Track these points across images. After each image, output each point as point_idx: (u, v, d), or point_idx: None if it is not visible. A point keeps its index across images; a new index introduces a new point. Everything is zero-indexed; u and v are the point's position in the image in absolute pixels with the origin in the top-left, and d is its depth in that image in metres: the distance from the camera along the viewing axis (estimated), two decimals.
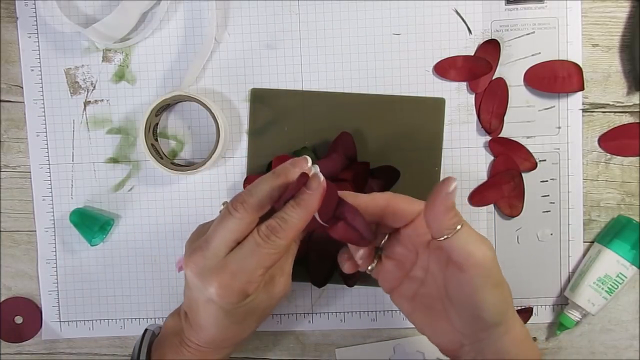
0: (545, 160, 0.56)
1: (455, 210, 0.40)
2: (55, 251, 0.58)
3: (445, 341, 0.44)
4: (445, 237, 0.39)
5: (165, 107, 0.55)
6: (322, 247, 0.54)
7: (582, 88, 0.55)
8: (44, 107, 0.57)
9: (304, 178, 0.42)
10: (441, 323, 0.43)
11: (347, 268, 0.46)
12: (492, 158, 0.56)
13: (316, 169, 0.44)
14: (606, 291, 0.54)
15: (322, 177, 0.42)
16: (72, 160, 0.57)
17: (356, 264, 0.46)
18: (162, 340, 0.48)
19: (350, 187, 0.53)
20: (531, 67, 0.55)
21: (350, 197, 0.43)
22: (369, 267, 0.45)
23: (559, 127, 0.56)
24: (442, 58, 0.55)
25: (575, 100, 0.55)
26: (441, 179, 0.56)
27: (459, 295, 0.41)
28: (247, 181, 0.56)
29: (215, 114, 0.52)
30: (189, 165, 0.54)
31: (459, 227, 0.39)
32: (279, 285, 0.45)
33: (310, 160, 0.44)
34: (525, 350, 0.42)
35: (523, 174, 0.55)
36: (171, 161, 0.56)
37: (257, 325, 0.47)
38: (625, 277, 0.54)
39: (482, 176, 0.56)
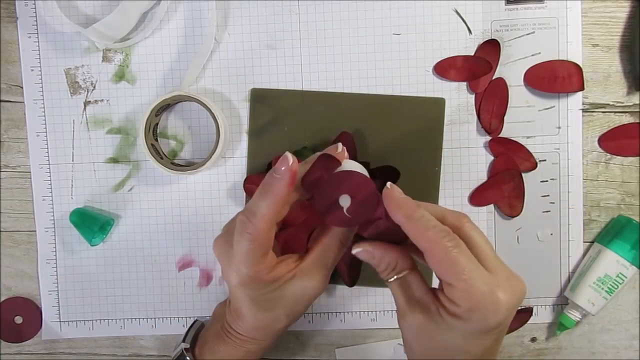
0: (545, 160, 0.56)
1: (379, 268, 0.41)
2: (55, 251, 0.58)
3: None
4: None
5: (165, 107, 0.55)
6: None
7: (582, 88, 0.55)
8: (44, 107, 0.57)
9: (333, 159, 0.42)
10: None
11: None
12: (492, 158, 0.56)
13: (290, 157, 0.40)
14: (606, 291, 0.54)
15: (291, 160, 0.39)
16: (72, 160, 0.57)
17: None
18: (208, 326, 0.50)
19: None
20: (531, 67, 0.55)
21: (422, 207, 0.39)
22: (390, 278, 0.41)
23: (559, 127, 0.56)
24: (442, 58, 0.55)
25: (575, 100, 0.55)
26: (441, 179, 0.56)
27: None
28: (247, 181, 0.55)
29: (215, 114, 0.52)
30: (189, 165, 0.54)
31: (390, 280, 0.41)
32: (313, 281, 0.44)
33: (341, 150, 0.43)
34: None
35: (523, 174, 0.55)
36: (171, 161, 0.56)
37: (288, 318, 0.45)
38: (625, 277, 0.54)
39: (482, 176, 0.56)
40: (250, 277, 0.42)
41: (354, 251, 0.41)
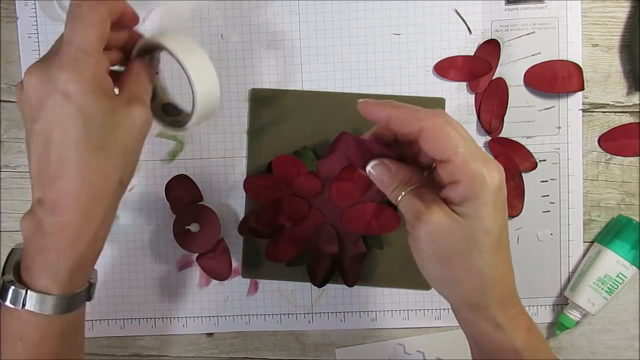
0: (545, 160, 0.56)
1: (392, 186, 0.40)
2: None
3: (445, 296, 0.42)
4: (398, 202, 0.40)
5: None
6: (322, 247, 0.54)
7: (582, 88, 0.55)
8: None
9: None
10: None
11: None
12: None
13: None
14: (606, 291, 0.54)
15: None
16: None
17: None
18: (24, 249, 0.39)
19: (351, 187, 0.53)
20: (531, 67, 0.55)
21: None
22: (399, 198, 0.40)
23: (559, 127, 0.56)
24: (442, 58, 0.55)
25: (575, 100, 0.55)
26: None
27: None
28: (247, 181, 0.55)
29: (180, 58, 0.39)
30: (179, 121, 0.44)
31: (400, 196, 0.39)
32: (137, 111, 0.38)
33: None
34: (490, 341, 0.39)
35: (523, 174, 0.55)
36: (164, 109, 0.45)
37: (122, 160, 0.38)
38: (625, 277, 0.54)
39: None
40: (91, 69, 0.35)
41: (370, 165, 0.41)
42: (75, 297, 0.40)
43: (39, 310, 0.38)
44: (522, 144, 0.55)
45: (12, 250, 0.42)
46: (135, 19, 0.41)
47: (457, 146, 0.36)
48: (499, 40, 0.54)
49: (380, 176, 0.40)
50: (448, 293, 0.40)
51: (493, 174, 0.37)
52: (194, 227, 0.55)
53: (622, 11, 0.55)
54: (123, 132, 0.37)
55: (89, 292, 0.42)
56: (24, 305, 0.38)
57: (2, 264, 0.41)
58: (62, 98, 0.35)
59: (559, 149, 0.56)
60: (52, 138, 0.35)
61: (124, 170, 0.38)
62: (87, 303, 0.59)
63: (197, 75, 0.39)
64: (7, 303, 0.39)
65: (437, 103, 0.55)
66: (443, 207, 0.38)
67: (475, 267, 0.38)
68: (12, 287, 0.38)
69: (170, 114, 0.45)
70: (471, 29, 0.55)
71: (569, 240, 0.56)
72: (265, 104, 0.56)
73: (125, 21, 0.40)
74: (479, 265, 0.38)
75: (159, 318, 0.58)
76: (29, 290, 0.38)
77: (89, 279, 0.42)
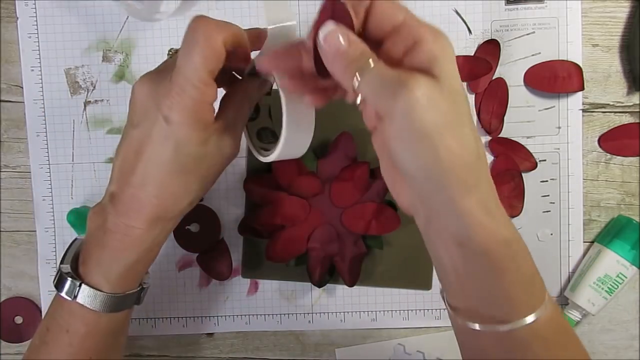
0: (545, 160, 0.56)
1: (355, 54, 0.33)
2: (55, 251, 0.58)
3: (402, 200, 0.37)
4: (355, 90, 0.33)
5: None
6: (322, 247, 0.54)
7: (582, 88, 0.55)
8: (44, 107, 0.57)
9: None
10: (398, 177, 0.37)
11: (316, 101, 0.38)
12: (492, 158, 0.56)
13: None
14: (606, 291, 0.54)
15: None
16: (72, 160, 0.57)
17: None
18: (86, 240, 0.41)
19: (351, 187, 0.53)
20: (531, 67, 0.55)
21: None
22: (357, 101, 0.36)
23: (559, 127, 0.56)
24: None
25: (575, 100, 0.55)
26: None
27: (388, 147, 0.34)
28: (247, 181, 0.55)
29: (282, 100, 0.38)
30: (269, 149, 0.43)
31: (370, 66, 0.32)
32: (227, 143, 0.39)
33: None
34: (481, 229, 0.34)
35: (523, 174, 0.55)
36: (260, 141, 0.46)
37: (200, 185, 0.40)
38: (625, 277, 0.54)
39: None
40: (194, 102, 0.36)
41: (324, 32, 0.33)
42: (125, 298, 0.41)
43: (89, 304, 0.40)
44: (522, 144, 0.55)
45: (75, 240, 0.44)
46: (248, 59, 0.40)
47: (405, 7, 0.33)
48: (499, 40, 0.54)
49: (338, 44, 0.33)
50: (436, 181, 0.33)
51: (443, 32, 0.33)
52: (194, 227, 0.55)
53: (622, 11, 0.55)
54: (207, 163, 0.39)
55: (139, 296, 0.43)
56: (75, 297, 0.40)
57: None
58: (162, 121, 0.36)
59: (559, 149, 0.56)
60: (144, 150, 0.38)
61: (197, 194, 0.40)
62: None
63: (292, 117, 0.38)
64: (63, 294, 0.40)
65: None
66: (422, 74, 0.32)
67: (464, 138, 0.33)
68: (69, 279, 0.40)
69: (263, 139, 0.45)
70: (471, 29, 0.55)
71: (569, 240, 0.56)
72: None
73: (235, 61, 0.38)
74: (466, 136, 0.33)
75: (159, 318, 0.58)
76: (82, 284, 0.40)
77: (142, 283, 0.43)
